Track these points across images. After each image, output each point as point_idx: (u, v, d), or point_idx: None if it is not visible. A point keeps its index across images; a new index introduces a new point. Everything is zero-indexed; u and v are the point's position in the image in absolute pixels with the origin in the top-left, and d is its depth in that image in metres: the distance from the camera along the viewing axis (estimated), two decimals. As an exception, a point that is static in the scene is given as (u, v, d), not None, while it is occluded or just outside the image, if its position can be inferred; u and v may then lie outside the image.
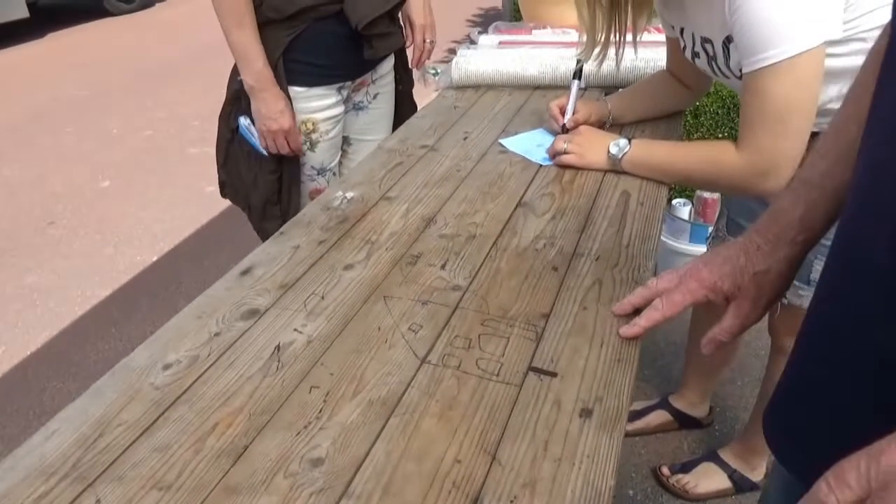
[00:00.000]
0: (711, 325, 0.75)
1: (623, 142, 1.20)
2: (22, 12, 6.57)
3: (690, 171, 1.14)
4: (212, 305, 0.91)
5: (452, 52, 5.38)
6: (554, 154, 1.27)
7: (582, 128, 1.29)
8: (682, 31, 1.19)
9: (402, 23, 1.63)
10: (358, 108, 1.66)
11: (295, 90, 1.48)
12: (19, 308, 2.59)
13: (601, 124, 1.40)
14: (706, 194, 2.20)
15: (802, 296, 1.25)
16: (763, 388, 1.53)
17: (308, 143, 1.55)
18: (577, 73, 1.41)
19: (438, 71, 1.74)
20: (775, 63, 0.95)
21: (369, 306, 0.89)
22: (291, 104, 1.47)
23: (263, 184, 1.51)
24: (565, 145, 1.25)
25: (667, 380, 2.02)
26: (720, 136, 2.36)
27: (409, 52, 1.73)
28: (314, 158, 1.58)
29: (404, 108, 1.77)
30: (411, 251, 1.03)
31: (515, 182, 1.22)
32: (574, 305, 0.87)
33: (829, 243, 0.56)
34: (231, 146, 1.54)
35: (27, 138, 4.34)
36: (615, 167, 1.21)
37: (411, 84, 1.77)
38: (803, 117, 1.01)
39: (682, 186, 2.33)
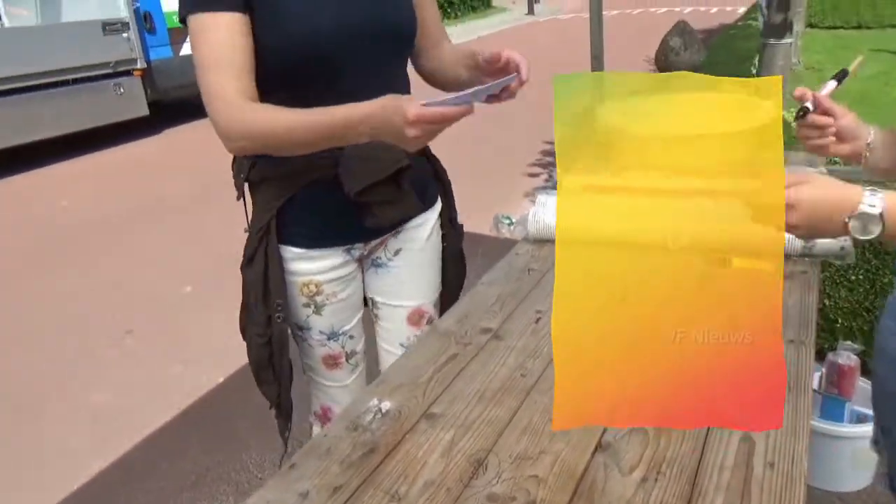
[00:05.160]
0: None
1: (874, 196, 0.81)
2: (142, 110, 7.06)
3: None
4: None
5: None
6: None
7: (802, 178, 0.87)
8: None
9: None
10: (376, 265, 1.41)
11: (291, 250, 1.27)
12: (78, 431, 2.50)
13: (852, 156, 1.06)
14: (840, 359, 1.82)
15: None
16: None
17: (312, 307, 1.32)
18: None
19: (513, 220, 1.52)
20: None
21: None
22: (283, 265, 1.28)
23: (252, 346, 1.32)
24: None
25: None
26: None
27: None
28: (321, 323, 1.34)
29: (448, 268, 1.49)
30: (447, 523, 0.77)
31: (596, 403, 0.95)
32: None
33: None
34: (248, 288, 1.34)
35: (122, 236, 4.47)
36: (864, 234, 0.82)
37: (458, 240, 1.49)
38: None
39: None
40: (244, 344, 1.37)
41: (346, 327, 1.39)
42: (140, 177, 5.96)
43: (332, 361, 1.40)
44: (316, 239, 1.29)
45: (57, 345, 3.15)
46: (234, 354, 2.81)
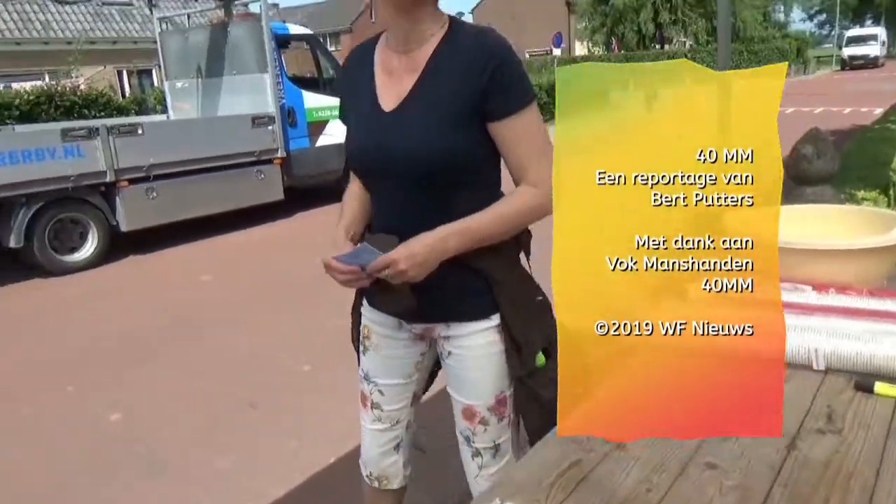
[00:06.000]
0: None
1: None
2: (278, 195, 7.66)
3: None
4: None
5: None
6: None
7: None
8: None
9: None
10: (442, 357, 1.50)
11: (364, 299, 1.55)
12: (199, 495, 2.63)
13: None
14: None
15: None
16: None
17: (363, 347, 1.57)
18: None
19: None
20: None
21: None
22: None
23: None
24: None
25: None
26: None
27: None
28: (364, 362, 1.57)
29: (532, 416, 1.43)
30: None
31: (727, 528, 0.91)
32: None
33: None
34: None
35: (252, 311, 4.78)
36: None
37: (526, 374, 1.40)
38: None
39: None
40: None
41: (379, 380, 1.55)
42: (273, 256, 6.41)
43: (362, 398, 1.61)
44: (366, 297, 1.55)
45: (186, 411, 3.37)
46: (345, 436, 2.90)
